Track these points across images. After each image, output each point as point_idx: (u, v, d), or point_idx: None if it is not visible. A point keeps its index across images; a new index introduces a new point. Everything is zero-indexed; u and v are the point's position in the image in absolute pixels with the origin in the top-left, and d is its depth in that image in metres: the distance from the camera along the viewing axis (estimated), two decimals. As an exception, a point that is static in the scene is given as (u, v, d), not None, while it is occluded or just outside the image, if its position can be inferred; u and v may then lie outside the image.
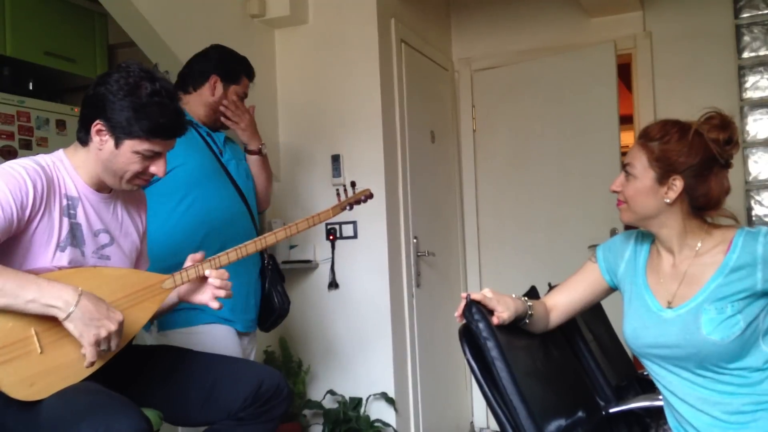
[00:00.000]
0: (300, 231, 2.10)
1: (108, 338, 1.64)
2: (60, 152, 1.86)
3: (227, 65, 2.63)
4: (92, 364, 1.65)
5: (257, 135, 2.72)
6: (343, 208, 2.26)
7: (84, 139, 1.82)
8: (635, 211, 1.77)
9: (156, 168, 1.83)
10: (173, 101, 1.81)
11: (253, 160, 2.73)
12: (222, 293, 1.90)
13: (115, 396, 1.66)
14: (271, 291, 2.67)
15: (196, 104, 2.58)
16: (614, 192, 1.81)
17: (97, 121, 1.76)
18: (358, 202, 2.31)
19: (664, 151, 1.70)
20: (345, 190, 2.29)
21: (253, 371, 2.03)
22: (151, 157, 1.81)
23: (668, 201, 1.71)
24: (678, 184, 1.70)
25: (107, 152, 1.79)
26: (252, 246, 1.98)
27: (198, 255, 1.92)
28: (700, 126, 1.71)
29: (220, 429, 1.98)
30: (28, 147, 3.26)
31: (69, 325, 1.61)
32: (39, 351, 1.63)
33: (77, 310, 1.60)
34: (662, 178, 1.71)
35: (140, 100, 1.75)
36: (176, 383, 1.97)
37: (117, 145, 1.77)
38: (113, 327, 1.64)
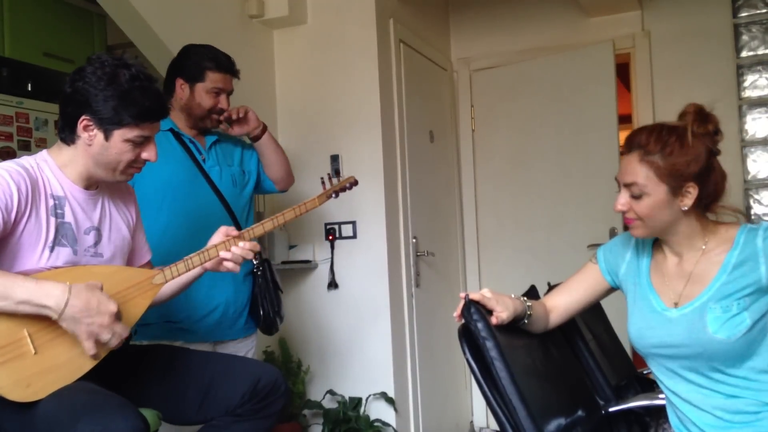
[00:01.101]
0: (287, 221, 2.08)
1: (103, 330, 1.64)
2: (44, 153, 1.85)
3: (187, 65, 2.56)
4: (95, 356, 1.65)
5: (257, 122, 2.66)
6: (329, 197, 2.23)
7: (69, 138, 1.81)
8: (652, 226, 1.72)
9: (147, 154, 1.84)
10: (152, 83, 1.83)
11: (265, 142, 2.67)
12: (230, 265, 1.96)
13: (112, 396, 1.65)
14: (257, 298, 2.62)
15: (174, 111, 2.56)
16: (620, 212, 1.74)
17: (83, 117, 1.76)
18: (343, 190, 2.29)
19: (673, 165, 1.65)
20: (330, 179, 2.26)
21: (249, 368, 2.03)
22: (142, 143, 1.82)
23: (685, 208, 1.69)
24: (692, 191, 1.67)
25: (98, 146, 1.79)
26: (230, 243, 1.99)
27: (220, 235, 1.97)
28: (691, 126, 1.69)
29: (218, 425, 1.98)
30: (26, 148, 3.26)
31: (62, 324, 1.61)
32: (33, 352, 1.63)
33: (68, 309, 1.59)
34: (676, 190, 1.67)
35: (122, 87, 1.75)
36: (173, 382, 1.97)
37: (107, 137, 1.78)
38: (106, 320, 1.63)
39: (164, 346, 2.14)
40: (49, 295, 1.59)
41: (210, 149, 2.62)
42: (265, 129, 2.68)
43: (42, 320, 1.62)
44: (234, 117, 2.60)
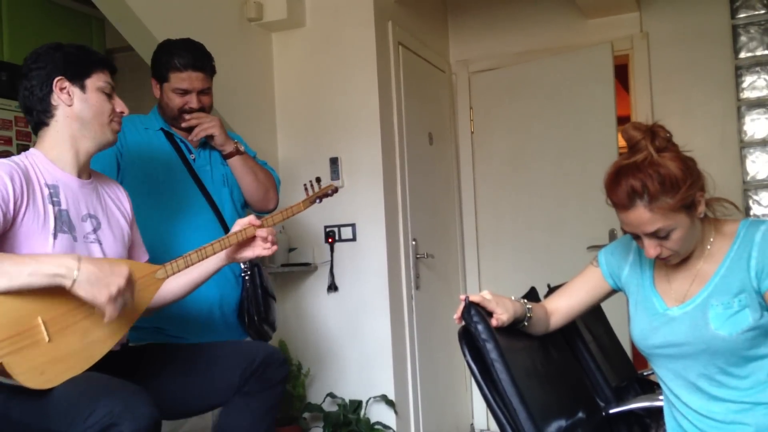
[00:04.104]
0: (276, 223, 2.12)
1: (120, 293, 1.64)
2: (30, 149, 1.88)
3: (154, 65, 2.49)
4: (112, 318, 1.66)
5: (229, 138, 2.57)
6: (313, 202, 2.30)
7: (46, 115, 1.85)
8: (687, 248, 1.71)
9: (120, 107, 1.92)
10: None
11: (234, 164, 2.58)
12: (268, 245, 2.02)
13: (127, 382, 1.68)
14: (242, 303, 2.56)
15: (160, 109, 2.54)
16: (655, 257, 1.70)
17: (56, 79, 1.82)
18: (325, 196, 2.34)
19: (685, 198, 1.63)
20: (312, 185, 2.30)
21: (243, 347, 2.10)
22: (110, 94, 1.90)
23: (702, 215, 1.69)
24: (701, 197, 1.67)
25: (78, 102, 1.84)
26: (234, 237, 2.01)
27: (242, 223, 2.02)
28: (672, 146, 1.68)
29: (231, 410, 2.02)
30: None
31: (78, 291, 1.60)
32: (47, 340, 1.64)
33: (81, 274, 1.59)
34: (691, 207, 1.66)
35: (71, 48, 1.88)
36: (172, 377, 2.00)
37: (82, 88, 1.85)
38: (122, 282, 1.64)
39: (159, 345, 2.16)
40: (60, 263, 1.60)
41: (201, 148, 2.58)
42: (237, 152, 2.56)
43: (56, 308, 1.63)
44: (184, 125, 2.50)
